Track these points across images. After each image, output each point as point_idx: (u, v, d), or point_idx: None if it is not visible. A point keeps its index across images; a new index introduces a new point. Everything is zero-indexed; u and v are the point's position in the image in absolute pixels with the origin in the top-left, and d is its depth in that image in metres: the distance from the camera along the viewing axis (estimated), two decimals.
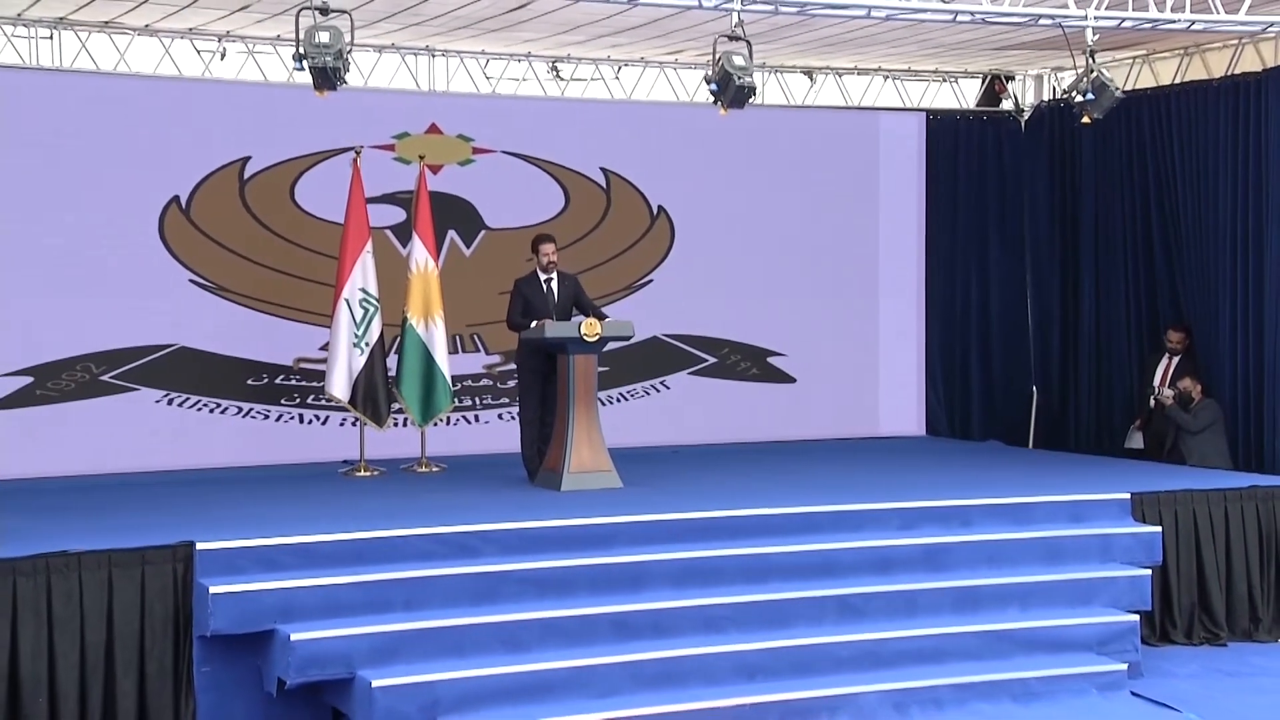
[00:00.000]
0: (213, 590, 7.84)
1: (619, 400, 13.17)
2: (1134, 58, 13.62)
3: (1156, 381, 12.81)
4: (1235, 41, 12.32)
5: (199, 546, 8.03)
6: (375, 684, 7.63)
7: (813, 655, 8.56)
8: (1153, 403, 12.70)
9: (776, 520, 9.33)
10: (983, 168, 14.46)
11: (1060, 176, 14.37)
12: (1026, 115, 14.57)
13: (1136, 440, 13.23)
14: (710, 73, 8.94)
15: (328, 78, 8.33)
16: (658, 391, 13.39)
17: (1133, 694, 8.85)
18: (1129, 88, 13.71)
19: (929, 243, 14.34)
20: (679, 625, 8.51)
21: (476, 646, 8.06)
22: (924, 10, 9.44)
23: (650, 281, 13.36)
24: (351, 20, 8.51)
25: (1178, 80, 13.23)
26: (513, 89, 13.15)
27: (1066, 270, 14.36)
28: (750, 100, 8.99)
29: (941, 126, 14.37)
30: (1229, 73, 12.68)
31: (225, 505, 9.75)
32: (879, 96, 14.33)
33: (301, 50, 8.22)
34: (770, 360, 13.75)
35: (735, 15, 8.78)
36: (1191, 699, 8.78)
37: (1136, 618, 9.34)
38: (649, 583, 8.72)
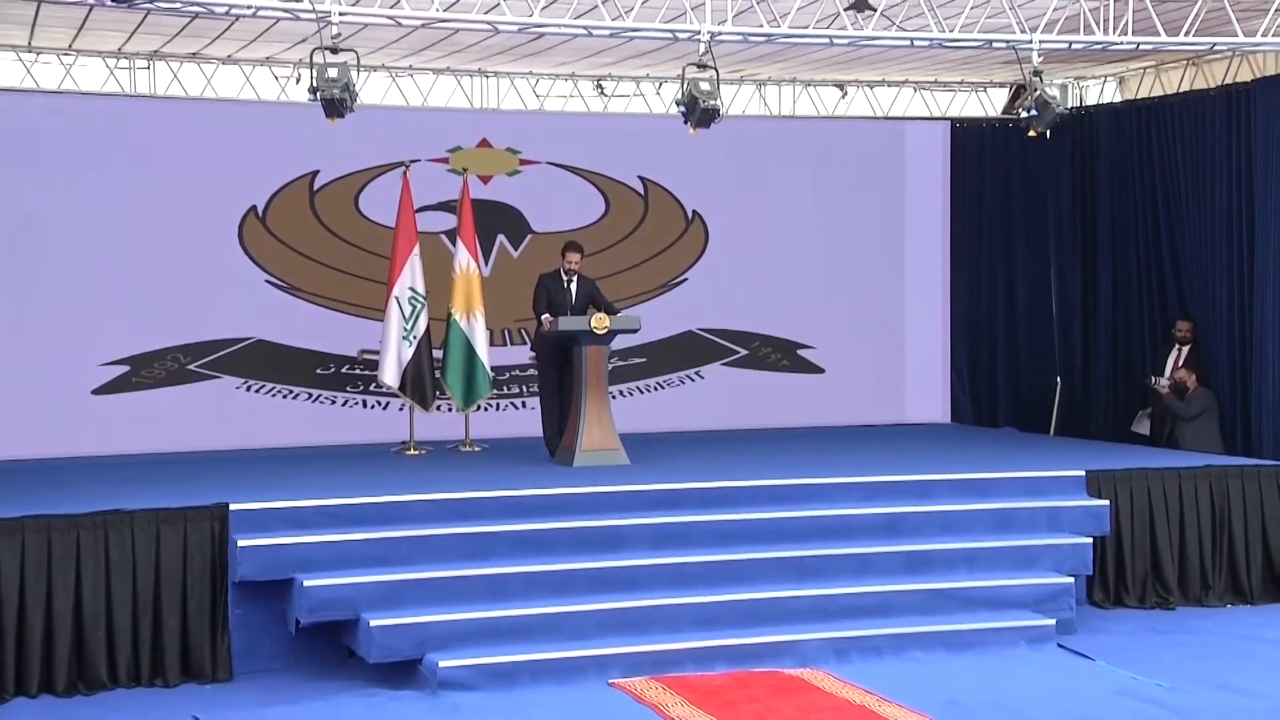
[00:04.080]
0: (240, 543, 9.27)
1: (656, 389, 14.43)
2: (1144, 68, 14.50)
3: (1168, 370, 13.70)
4: (1231, 54, 13.17)
5: (233, 507, 9.46)
6: (374, 623, 8.99)
7: (767, 608, 9.70)
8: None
9: (748, 491, 10.52)
10: (1007, 172, 15.41)
11: (1080, 179, 15.30)
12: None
13: (1144, 426, 14.09)
14: (680, 96, 10.14)
15: (335, 107, 9.65)
16: (693, 381, 14.59)
17: (1059, 646, 9.84)
18: (1141, 96, 14.66)
19: (954, 242, 15.34)
20: (649, 581, 9.71)
21: (466, 595, 9.35)
22: (881, 37, 10.51)
23: (685, 280, 14.57)
24: (358, 57, 9.84)
25: (1183, 89, 14.11)
26: (561, 105, 14.46)
27: (1086, 267, 15.28)
28: (715, 120, 10.17)
29: (966, 134, 15.37)
30: (1224, 82, 13.56)
31: (268, 475, 11.21)
32: (908, 107, 15.38)
33: (314, 84, 9.55)
34: (800, 352, 14.88)
35: (702, 45, 9.97)
36: (1111, 651, 9.76)
37: (1072, 579, 10.34)
38: (626, 544, 9.94)
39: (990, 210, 15.42)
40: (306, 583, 9.14)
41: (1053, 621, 9.97)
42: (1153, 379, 13.62)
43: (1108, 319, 15.00)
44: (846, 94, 15.17)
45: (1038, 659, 9.60)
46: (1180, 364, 13.72)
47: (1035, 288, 15.46)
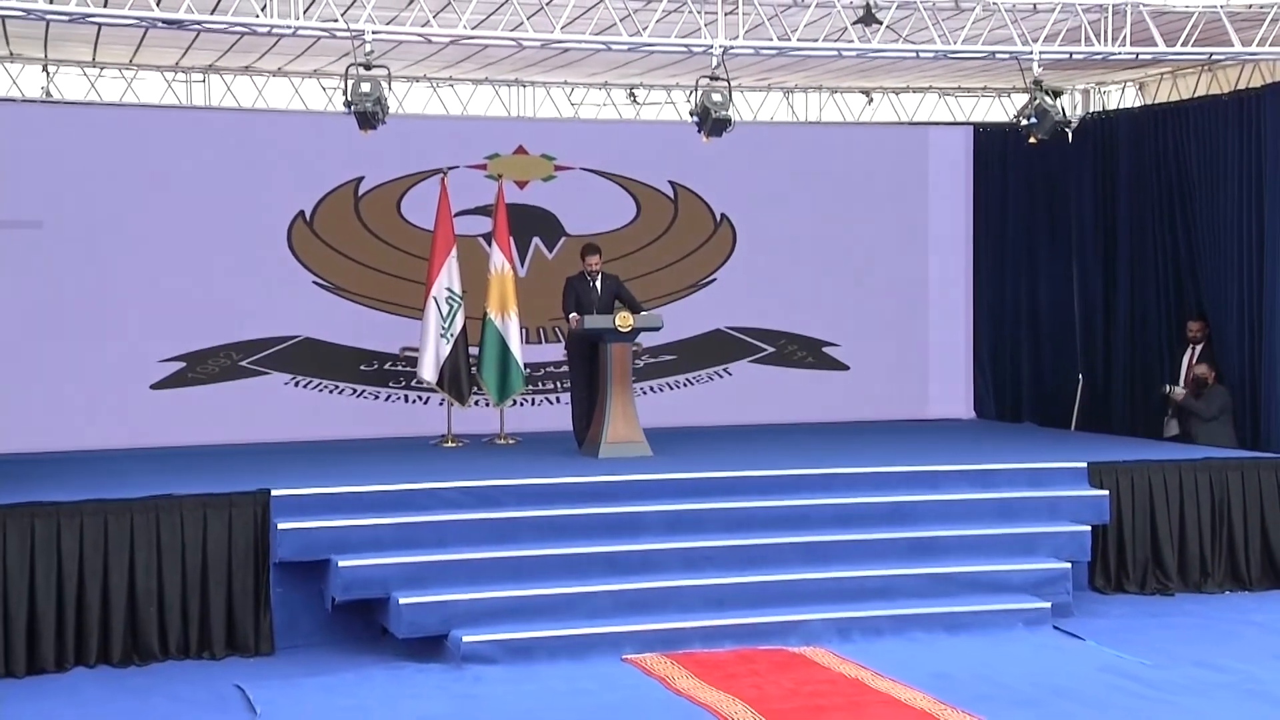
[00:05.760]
0: (280, 526, 9.96)
1: (686, 385, 15.03)
2: (1161, 74, 14.94)
3: (1183, 369, 14.12)
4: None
5: (274, 493, 10.14)
6: (403, 601, 9.65)
7: (775, 590, 10.28)
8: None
9: (760, 481, 11.09)
10: (1029, 174, 15.85)
11: (1101, 181, 15.72)
12: (1074, 126, 15.87)
13: (1173, 428, 14.42)
14: (693, 107, 10.74)
15: (368, 120, 10.33)
16: (721, 378, 15.18)
17: (1054, 628, 10.35)
18: (1159, 100, 15.11)
19: (978, 243, 15.83)
20: (662, 564, 10.32)
21: (489, 576, 9.99)
22: (887, 50, 11.05)
23: (714, 280, 15.17)
24: (389, 72, 10.50)
25: (1197, 94, 14.55)
26: (594, 113, 15.09)
27: (1107, 267, 15.71)
28: (727, 129, 10.76)
29: (990, 138, 15.84)
30: (1236, 87, 13.99)
31: (309, 464, 11.86)
32: (933, 112, 15.89)
33: (348, 98, 10.23)
34: (825, 350, 15.43)
35: (715, 59, 10.57)
36: (1104, 633, 10.26)
37: (1070, 565, 10.84)
38: (641, 529, 10.54)
39: (1013, 212, 15.88)
40: (341, 563, 9.82)
41: (1049, 605, 10.47)
42: (1167, 387, 13.99)
43: (1126, 317, 15.40)
44: (872, 100, 15.70)
45: (1031, 639, 10.11)
46: (1195, 361, 14.12)
47: (1058, 287, 15.89)
